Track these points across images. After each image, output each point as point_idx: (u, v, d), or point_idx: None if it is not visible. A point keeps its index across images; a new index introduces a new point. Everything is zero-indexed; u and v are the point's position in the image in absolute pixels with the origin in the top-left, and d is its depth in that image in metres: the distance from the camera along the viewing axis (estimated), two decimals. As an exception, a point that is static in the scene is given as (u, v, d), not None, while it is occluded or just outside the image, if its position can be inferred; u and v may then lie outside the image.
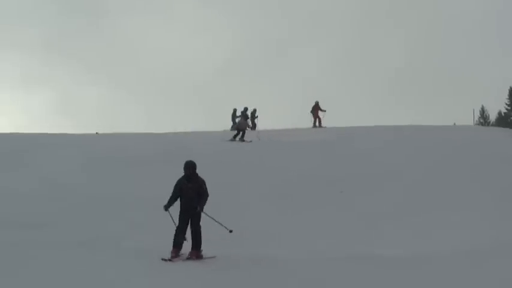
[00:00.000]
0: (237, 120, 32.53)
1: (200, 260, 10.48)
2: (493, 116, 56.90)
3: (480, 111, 56.01)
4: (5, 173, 17.83)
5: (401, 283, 9.23)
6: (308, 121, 32.16)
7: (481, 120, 54.69)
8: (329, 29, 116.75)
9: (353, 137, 25.77)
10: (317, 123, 31.69)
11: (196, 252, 10.68)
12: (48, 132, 27.39)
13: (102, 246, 11.20)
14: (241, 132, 25.50)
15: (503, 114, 56.37)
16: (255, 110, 32.68)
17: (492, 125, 52.30)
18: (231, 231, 11.02)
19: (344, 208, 14.66)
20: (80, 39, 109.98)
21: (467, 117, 58.58)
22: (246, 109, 32.78)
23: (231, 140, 25.20)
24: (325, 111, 31.75)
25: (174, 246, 10.56)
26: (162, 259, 10.34)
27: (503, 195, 15.59)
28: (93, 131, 29.25)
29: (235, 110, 32.77)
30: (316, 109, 31.79)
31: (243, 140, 25.14)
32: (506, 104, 56.79)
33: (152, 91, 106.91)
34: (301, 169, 19.46)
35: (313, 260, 10.51)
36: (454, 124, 35.66)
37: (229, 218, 13.56)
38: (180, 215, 10.86)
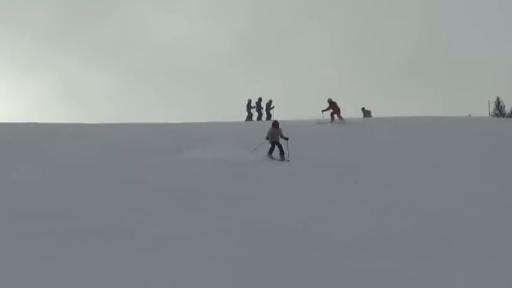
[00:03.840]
0: (252, 111, 32.50)
1: (217, 252, 10.41)
2: (508, 108, 56.31)
3: (495, 102, 55.42)
4: (20, 162, 17.94)
5: (412, 275, 9.24)
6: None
7: (496, 112, 54.13)
8: (339, 15, 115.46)
9: (368, 128, 25.71)
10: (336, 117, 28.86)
11: None
12: (59, 121, 27.61)
13: (117, 236, 11.23)
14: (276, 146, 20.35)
15: (518, 106, 55.67)
16: (270, 101, 32.55)
17: (507, 116, 51.77)
18: None
19: (359, 199, 14.60)
20: (88, 25, 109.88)
21: (483, 109, 58.09)
22: (260, 99, 32.74)
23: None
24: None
25: None
26: None
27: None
28: (105, 120, 29.29)
29: (249, 101, 32.68)
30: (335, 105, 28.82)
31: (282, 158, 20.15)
32: (522, 95, 56.06)
33: (162, 80, 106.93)
34: (316, 160, 19.41)
35: (325, 251, 10.49)
36: (469, 115, 35.47)
37: (243, 210, 13.61)
38: None
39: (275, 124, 20.59)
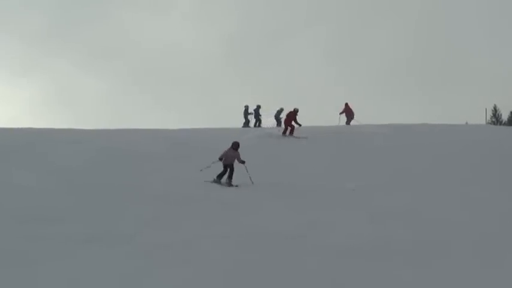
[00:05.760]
0: (249, 117, 32.46)
1: (215, 257, 10.39)
2: (505, 116, 56.52)
3: (492, 110, 55.66)
4: (16, 167, 17.89)
5: (410, 281, 9.24)
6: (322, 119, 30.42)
7: (493, 120, 54.35)
8: (333, 17, 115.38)
9: (364, 135, 25.71)
10: (287, 132, 25.99)
11: None
12: (54, 126, 27.52)
13: (114, 242, 11.20)
14: (228, 170, 17.60)
15: (515, 113, 55.85)
16: (281, 109, 32.45)
17: (504, 124, 52.01)
18: None
19: (356, 205, 14.61)
20: (82, 29, 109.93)
21: (480, 116, 58.29)
22: (259, 107, 32.66)
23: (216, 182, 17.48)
24: (300, 125, 26.33)
25: None
26: None
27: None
28: (100, 126, 29.22)
29: (247, 107, 32.66)
30: (291, 116, 26.24)
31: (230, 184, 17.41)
32: (519, 103, 56.16)
33: (156, 83, 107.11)
34: (312, 167, 19.41)
35: (324, 257, 10.48)
36: (466, 123, 35.60)
37: (242, 215, 13.61)
38: None
39: (235, 146, 17.77)
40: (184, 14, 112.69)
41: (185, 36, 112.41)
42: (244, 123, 32.47)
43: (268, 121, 32.56)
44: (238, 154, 17.58)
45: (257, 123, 32.54)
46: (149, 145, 22.43)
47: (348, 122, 31.66)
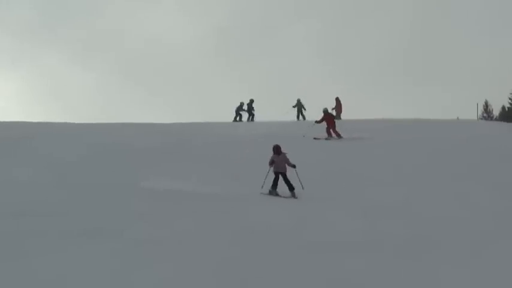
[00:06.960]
0: (241, 113, 32.50)
1: (205, 253, 10.43)
2: (496, 111, 56.73)
3: (484, 105, 55.86)
4: (10, 161, 17.86)
5: (401, 275, 9.29)
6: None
7: (485, 115, 54.56)
8: (324, 11, 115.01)
9: (356, 130, 25.74)
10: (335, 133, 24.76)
11: None
12: (45, 120, 27.43)
13: (106, 236, 11.16)
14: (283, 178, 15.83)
15: (506, 109, 56.10)
16: (299, 101, 32.51)
17: (496, 119, 52.19)
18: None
19: (348, 201, 14.67)
20: (71, 21, 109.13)
21: (471, 112, 58.61)
22: (252, 101, 32.74)
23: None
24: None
25: None
26: None
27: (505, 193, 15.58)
28: (91, 120, 29.25)
29: (242, 104, 32.74)
30: (330, 120, 24.90)
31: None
32: (510, 99, 56.39)
33: (148, 77, 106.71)
34: (303, 162, 19.40)
35: (316, 252, 10.53)
36: (458, 118, 35.71)
37: (235, 211, 13.62)
38: None
39: (276, 150, 16.03)
40: (175, 5, 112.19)
41: (176, 28, 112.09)
42: (234, 118, 32.54)
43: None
44: (286, 157, 15.89)
45: (250, 118, 32.60)
46: (142, 140, 22.41)
47: (337, 117, 31.66)
